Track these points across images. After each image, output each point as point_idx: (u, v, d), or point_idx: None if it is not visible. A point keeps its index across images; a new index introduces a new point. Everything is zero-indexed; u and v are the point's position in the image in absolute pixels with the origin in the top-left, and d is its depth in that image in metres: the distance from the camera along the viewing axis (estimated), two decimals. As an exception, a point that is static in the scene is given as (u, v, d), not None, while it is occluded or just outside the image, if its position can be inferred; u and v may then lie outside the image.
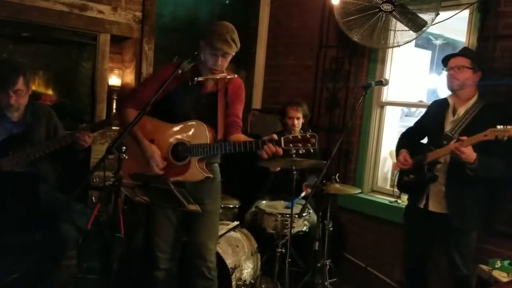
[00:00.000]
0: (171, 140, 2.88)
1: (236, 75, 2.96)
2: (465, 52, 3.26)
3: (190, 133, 2.85)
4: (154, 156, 2.84)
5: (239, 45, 2.81)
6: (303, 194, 4.10)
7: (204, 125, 2.82)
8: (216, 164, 3.07)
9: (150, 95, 2.78)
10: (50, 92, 4.33)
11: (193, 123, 2.85)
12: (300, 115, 4.27)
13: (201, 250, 3.01)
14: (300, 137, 2.54)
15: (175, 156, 2.87)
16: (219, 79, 2.89)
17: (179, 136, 2.87)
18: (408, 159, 3.26)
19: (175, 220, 3.03)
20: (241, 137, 2.92)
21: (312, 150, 2.58)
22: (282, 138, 2.56)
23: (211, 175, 2.89)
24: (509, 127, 2.69)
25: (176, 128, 2.89)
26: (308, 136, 2.53)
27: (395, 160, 4.45)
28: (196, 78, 2.80)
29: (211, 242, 3.05)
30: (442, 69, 3.26)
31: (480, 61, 3.22)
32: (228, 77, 2.89)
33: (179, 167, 2.85)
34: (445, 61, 3.23)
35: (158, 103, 2.89)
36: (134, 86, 4.35)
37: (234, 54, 2.83)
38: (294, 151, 2.57)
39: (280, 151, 2.58)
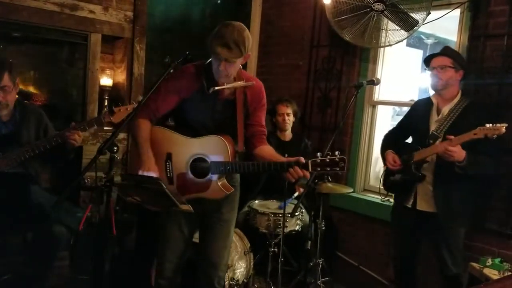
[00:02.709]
0: (190, 155, 2.70)
1: (254, 82, 2.75)
2: (446, 51, 3.26)
3: (210, 148, 2.67)
4: (149, 172, 2.59)
5: (245, 49, 2.54)
6: (296, 194, 4.10)
7: (224, 140, 2.64)
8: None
9: (163, 103, 2.69)
10: (41, 92, 4.30)
11: (213, 137, 2.68)
12: (290, 111, 4.31)
13: (215, 261, 2.90)
14: (328, 160, 2.40)
15: (194, 171, 2.70)
16: (238, 87, 2.71)
17: (198, 151, 2.69)
18: (397, 160, 3.28)
19: (187, 232, 2.89)
20: (266, 149, 2.78)
21: (341, 173, 2.45)
22: (309, 162, 2.42)
23: (233, 189, 2.75)
24: (498, 125, 2.72)
25: (195, 142, 2.71)
26: (337, 159, 2.38)
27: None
28: (212, 88, 2.60)
29: (225, 252, 2.95)
30: (425, 69, 3.29)
31: (462, 59, 3.25)
32: (246, 84, 2.70)
33: (199, 184, 2.69)
34: (427, 61, 3.26)
35: (175, 112, 2.80)
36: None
37: (239, 60, 2.58)
38: (322, 173, 2.44)
39: (308, 175, 2.44)
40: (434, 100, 3.27)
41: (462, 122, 3.01)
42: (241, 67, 2.77)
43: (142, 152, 2.66)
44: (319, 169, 2.41)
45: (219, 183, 2.67)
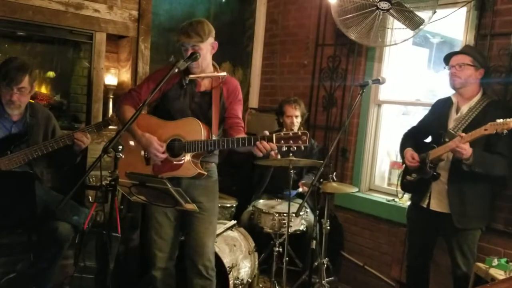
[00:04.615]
0: (167, 136, 2.89)
1: (225, 73, 2.98)
2: (466, 49, 3.25)
3: (185, 129, 2.87)
4: (152, 142, 2.84)
5: (205, 35, 2.80)
6: (300, 189, 4.09)
7: (198, 121, 2.84)
8: (213, 164, 3.08)
9: (146, 93, 2.86)
10: (45, 91, 4.31)
11: (188, 119, 2.88)
12: (298, 113, 4.23)
13: (199, 248, 3.00)
14: (291, 134, 2.54)
15: (171, 152, 2.89)
16: (211, 77, 2.95)
17: (174, 132, 2.89)
18: (415, 157, 3.25)
19: (173, 218, 3.04)
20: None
21: (303, 148, 2.58)
22: (273, 135, 2.57)
23: (204, 172, 2.89)
24: (508, 120, 2.68)
25: (172, 125, 2.92)
26: (300, 133, 2.53)
27: (393, 159, 4.47)
28: (187, 77, 2.88)
29: (208, 240, 3.04)
30: (444, 68, 3.26)
31: (482, 58, 3.21)
32: (217, 74, 2.94)
33: (173, 162, 2.88)
34: (447, 59, 3.23)
35: (157, 104, 3.02)
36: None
37: (204, 46, 2.81)
38: (285, 148, 2.57)
39: (274, 147, 2.57)
40: (454, 99, 3.25)
41: (480, 121, 2.94)
42: (218, 67, 3.01)
43: (134, 134, 2.92)
44: (282, 142, 2.55)
45: (191, 162, 2.84)
